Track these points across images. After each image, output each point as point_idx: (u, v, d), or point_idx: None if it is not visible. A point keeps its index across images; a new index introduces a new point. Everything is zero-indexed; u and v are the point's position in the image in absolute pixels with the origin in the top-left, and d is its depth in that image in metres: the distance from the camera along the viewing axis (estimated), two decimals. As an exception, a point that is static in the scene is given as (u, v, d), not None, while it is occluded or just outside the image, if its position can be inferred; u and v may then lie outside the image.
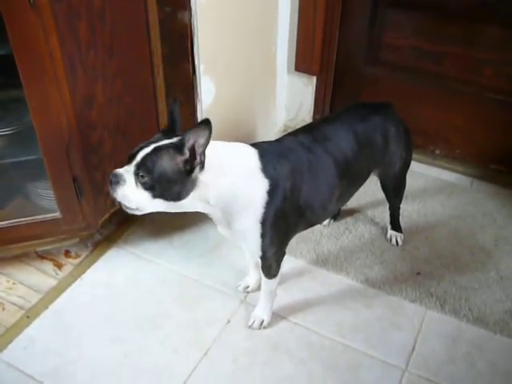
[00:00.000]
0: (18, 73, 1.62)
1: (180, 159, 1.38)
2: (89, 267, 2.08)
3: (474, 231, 2.27)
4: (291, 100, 2.81)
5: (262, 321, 1.86)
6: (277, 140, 1.70)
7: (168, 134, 1.45)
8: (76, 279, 2.03)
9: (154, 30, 1.93)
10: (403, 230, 2.22)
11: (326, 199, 1.71)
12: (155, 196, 1.40)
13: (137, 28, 1.88)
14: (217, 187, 1.46)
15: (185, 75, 2.05)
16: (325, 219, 2.19)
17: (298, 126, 2.76)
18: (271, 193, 1.51)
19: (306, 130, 1.79)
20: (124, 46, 1.85)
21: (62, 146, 1.78)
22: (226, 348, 1.80)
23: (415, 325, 1.88)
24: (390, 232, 2.21)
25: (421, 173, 2.54)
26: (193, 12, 1.91)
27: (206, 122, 1.34)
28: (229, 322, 1.89)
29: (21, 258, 2.10)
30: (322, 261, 2.11)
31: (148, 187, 1.39)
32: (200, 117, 2.12)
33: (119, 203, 1.47)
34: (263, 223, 1.54)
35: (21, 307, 1.93)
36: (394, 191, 2.09)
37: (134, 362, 1.76)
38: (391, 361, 1.77)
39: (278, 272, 1.75)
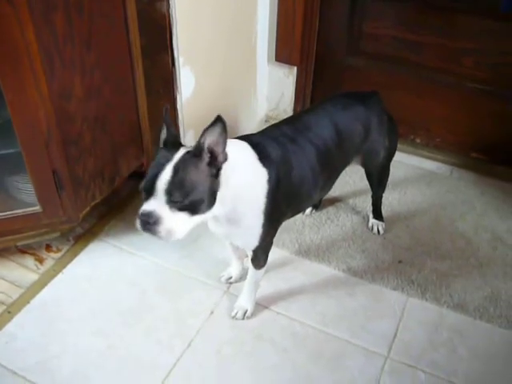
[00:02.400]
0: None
1: (203, 165, 1.35)
2: (70, 261, 2.07)
3: (453, 219, 2.29)
4: (272, 90, 2.81)
5: (246, 311, 1.86)
6: (261, 131, 1.70)
7: (172, 145, 1.39)
8: (58, 273, 2.02)
9: (133, 22, 1.91)
10: (384, 219, 2.23)
11: (311, 187, 1.72)
12: (193, 214, 1.35)
13: (115, 19, 1.86)
14: (231, 185, 1.43)
15: (164, 67, 2.04)
16: (307, 208, 2.22)
17: (280, 117, 2.80)
18: (270, 181, 1.53)
19: (288, 120, 1.80)
20: (102, 38, 1.83)
21: (41, 139, 1.76)
22: (209, 339, 1.81)
23: (397, 312, 1.90)
24: (372, 221, 2.23)
25: (401, 161, 2.55)
26: (171, 2, 1.90)
27: (218, 119, 1.30)
28: (212, 312, 1.89)
29: (1, 253, 2.08)
30: (305, 251, 2.12)
31: (185, 208, 1.33)
32: (180, 109, 2.11)
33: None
34: (265, 213, 1.55)
35: (2, 302, 1.91)
36: (378, 180, 2.11)
37: (118, 355, 1.76)
38: (374, 348, 1.79)
39: (266, 262, 1.76)
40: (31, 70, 1.61)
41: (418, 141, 2.71)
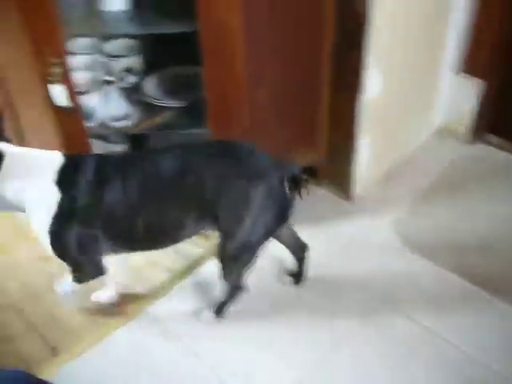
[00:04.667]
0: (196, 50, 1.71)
1: None
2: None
3: None
4: (452, 102, 2.69)
5: None
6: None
7: None
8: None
9: (329, 16, 1.93)
10: None
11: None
12: None
13: (312, 11, 1.90)
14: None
15: (352, 66, 2.04)
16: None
17: (455, 131, 2.67)
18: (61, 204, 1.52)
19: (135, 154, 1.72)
20: (297, 28, 1.88)
21: (232, 121, 1.85)
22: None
23: None
24: None
25: None
26: (370, 3, 1.89)
27: None
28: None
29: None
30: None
31: None
32: (361, 109, 2.10)
33: None
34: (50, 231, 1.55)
35: (168, 269, 2.04)
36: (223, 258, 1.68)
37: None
38: None
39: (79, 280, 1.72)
40: (235, 50, 1.70)
41: None
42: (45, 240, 1.53)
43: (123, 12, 1.95)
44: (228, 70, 1.74)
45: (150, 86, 2.11)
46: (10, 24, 1.68)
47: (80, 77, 1.94)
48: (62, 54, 1.69)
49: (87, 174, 1.51)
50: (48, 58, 1.68)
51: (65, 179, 1.49)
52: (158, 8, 2.01)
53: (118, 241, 1.59)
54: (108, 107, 2.03)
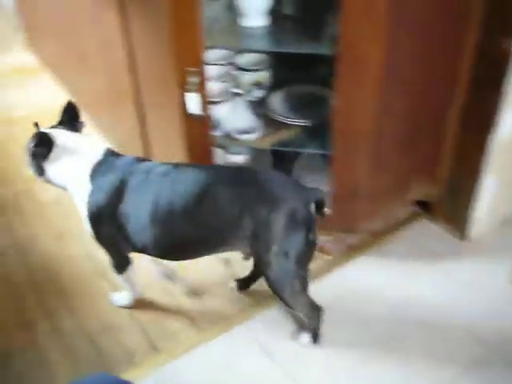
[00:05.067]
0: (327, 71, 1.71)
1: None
2: (338, 267, 2.12)
3: None
4: None
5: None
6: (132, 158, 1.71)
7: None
8: (325, 273, 2.09)
9: (469, 52, 1.87)
10: None
11: (139, 230, 1.63)
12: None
13: (453, 45, 1.85)
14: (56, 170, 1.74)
15: (487, 103, 1.95)
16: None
17: None
18: (91, 196, 1.70)
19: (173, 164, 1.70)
20: (435, 62, 1.83)
21: (354, 147, 1.84)
22: None
23: None
24: None
25: None
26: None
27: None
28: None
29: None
30: None
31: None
32: (490, 150, 2.00)
33: None
34: (89, 219, 1.73)
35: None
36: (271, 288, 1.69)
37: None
38: None
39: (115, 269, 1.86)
40: (371, 80, 1.68)
41: None
42: (85, 222, 1.70)
43: (260, 28, 1.99)
44: (360, 97, 1.72)
45: (276, 102, 2.14)
46: (160, 35, 1.77)
47: (212, 87, 1.99)
48: (200, 63, 1.76)
49: (116, 174, 1.64)
50: (187, 66, 1.75)
51: (97, 174, 1.65)
52: (296, 27, 2.03)
53: (133, 243, 1.69)
54: (234, 119, 2.07)
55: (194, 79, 1.75)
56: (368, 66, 1.65)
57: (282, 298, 1.67)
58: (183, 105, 1.81)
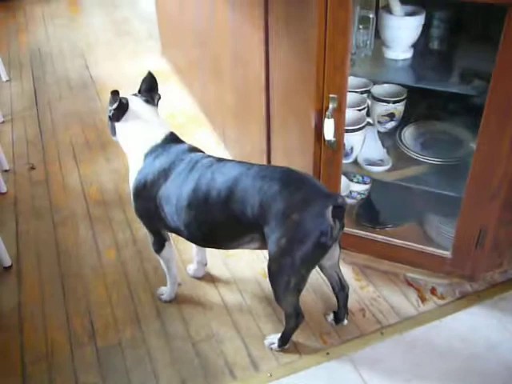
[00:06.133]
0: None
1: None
2: (451, 313, 2.03)
3: None
4: None
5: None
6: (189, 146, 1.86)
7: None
8: (435, 319, 2.01)
9: None
10: None
11: (174, 213, 1.75)
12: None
13: None
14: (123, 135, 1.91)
15: None
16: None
17: None
18: (140, 173, 1.85)
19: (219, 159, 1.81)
20: None
21: (487, 194, 1.76)
22: None
23: None
24: None
25: None
26: None
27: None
28: None
29: (389, 276, 2.18)
30: None
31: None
32: None
33: None
34: (133, 192, 1.91)
35: (378, 321, 2.00)
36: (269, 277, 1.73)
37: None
38: None
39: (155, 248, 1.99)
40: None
41: None
42: (131, 194, 1.85)
43: (403, 60, 1.96)
44: (505, 146, 1.65)
45: (408, 136, 2.10)
46: (306, 58, 1.80)
47: (347, 115, 1.99)
48: (342, 90, 1.76)
49: (168, 159, 1.77)
50: (329, 93, 1.76)
51: (152, 155, 1.78)
52: (439, 62, 1.99)
53: (168, 222, 1.81)
54: (364, 148, 2.05)
55: (333, 105, 1.75)
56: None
57: (274, 289, 1.73)
58: (319, 130, 1.82)
